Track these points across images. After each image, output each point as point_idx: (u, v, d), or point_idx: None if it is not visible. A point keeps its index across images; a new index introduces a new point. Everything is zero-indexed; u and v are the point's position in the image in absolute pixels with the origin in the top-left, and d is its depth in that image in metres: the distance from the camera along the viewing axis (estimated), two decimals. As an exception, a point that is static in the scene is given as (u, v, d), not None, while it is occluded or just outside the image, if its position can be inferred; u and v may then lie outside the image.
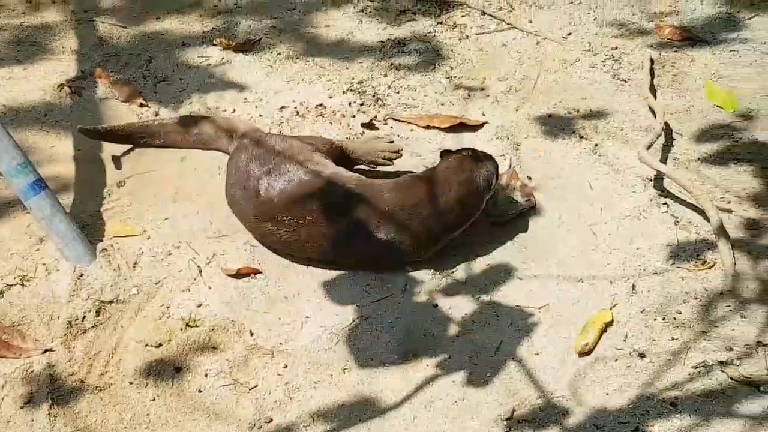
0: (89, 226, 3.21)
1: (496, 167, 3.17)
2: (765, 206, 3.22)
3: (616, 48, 4.05)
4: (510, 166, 3.46)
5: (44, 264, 3.06)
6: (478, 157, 3.16)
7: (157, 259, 3.12)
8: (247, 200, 3.11)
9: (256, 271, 3.10)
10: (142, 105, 3.77)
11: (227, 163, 3.28)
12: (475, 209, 3.12)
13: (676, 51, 4.02)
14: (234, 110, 3.76)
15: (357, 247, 3.05)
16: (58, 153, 3.51)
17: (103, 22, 4.28)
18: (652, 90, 3.76)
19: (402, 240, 3.04)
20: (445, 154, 3.21)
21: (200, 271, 3.09)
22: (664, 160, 3.44)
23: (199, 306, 2.98)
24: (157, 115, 3.73)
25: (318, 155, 3.22)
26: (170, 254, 3.14)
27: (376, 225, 3.03)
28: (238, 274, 3.08)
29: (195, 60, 4.07)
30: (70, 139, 3.57)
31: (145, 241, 3.18)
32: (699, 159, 3.44)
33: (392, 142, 3.47)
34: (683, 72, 3.89)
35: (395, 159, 3.39)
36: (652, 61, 3.90)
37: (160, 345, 2.87)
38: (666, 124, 3.54)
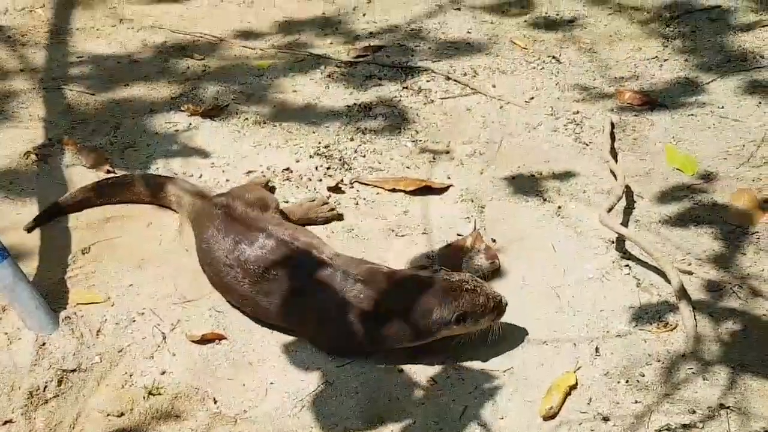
0: (53, 293, 3.19)
1: (478, 303, 2.98)
2: (725, 268, 3.26)
3: (578, 112, 4.13)
4: (474, 229, 3.49)
5: (6, 333, 3.03)
6: (455, 285, 3.01)
7: (120, 326, 3.11)
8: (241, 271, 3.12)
9: (221, 337, 3.09)
10: (108, 171, 3.78)
11: (200, 235, 3.28)
12: (423, 336, 3.01)
13: (636, 115, 4.10)
14: (201, 175, 3.79)
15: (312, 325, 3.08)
16: (23, 220, 3.49)
17: (71, 90, 4.32)
18: (613, 153, 3.82)
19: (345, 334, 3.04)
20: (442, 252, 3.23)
21: (164, 338, 3.08)
22: (625, 223, 3.48)
23: (163, 373, 2.96)
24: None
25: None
26: (134, 321, 3.13)
27: (331, 312, 3.04)
28: (203, 340, 3.07)
29: (162, 126, 4.10)
30: (36, 207, 3.57)
31: (109, 308, 3.17)
32: (660, 221, 3.49)
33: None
34: (643, 135, 3.97)
35: None
36: (612, 125, 3.97)
37: (122, 414, 2.84)
38: (627, 186, 3.60)
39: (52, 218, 3.53)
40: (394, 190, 3.72)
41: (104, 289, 3.24)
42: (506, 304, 3.04)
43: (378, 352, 3.04)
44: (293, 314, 3.08)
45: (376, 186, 3.76)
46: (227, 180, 3.76)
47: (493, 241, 3.46)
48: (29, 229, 3.46)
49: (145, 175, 3.71)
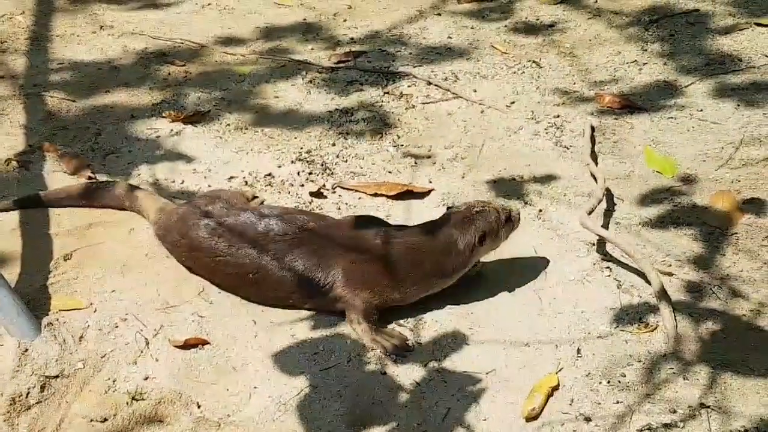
0: (35, 300, 3.18)
1: (492, 220, 3.19)
2: (705, 269, 3.29)
3: (558, 116, 4.16)
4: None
5: (-12, 340, 3.02)
6: (465, 212, 3.20)
7: (103, 332, 3.10)
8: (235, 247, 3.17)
9: (204, 342, 3.09)
10: (90, 178, 3.77)
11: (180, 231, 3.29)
12: (458, 267, 3.19)
13: (616, 118, 4.13)
14: (183, 181, 3.79)
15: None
16: (4, 227, 3.49)
17: (51, 96, 4.31)
18: (594, 156, 3.85)
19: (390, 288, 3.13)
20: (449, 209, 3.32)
21: (147, 343, 3.07)
22: (606, 225, 3.50)
23: (146, 379, 2.96)
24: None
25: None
26: (117, 327, 3.12)
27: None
28: (186, 345, 3.07)
29: (144, 132, 4.10)
30: (17, 213, 3.56)
31: (92, 314, 3.16)
32: (640, 223, 3.52)
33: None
34: (623, 138, 4.00)
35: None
36: (593, 129, 4.00)
37: (106, 420, 2.84)
38: (607, 189, 3.62)
39: (31, 207, 3.57)
40: (376, 195, 3.73)
41: (86, 295, 3.24)
42: (518, 213, 3.30)
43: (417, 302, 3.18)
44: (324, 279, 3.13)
45: (358, 191, 3.76)
46: (209, 186, 3.76)
47: (475, 244, 3.47)
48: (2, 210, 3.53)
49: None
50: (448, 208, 3.33)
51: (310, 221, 3.22)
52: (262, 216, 3.21)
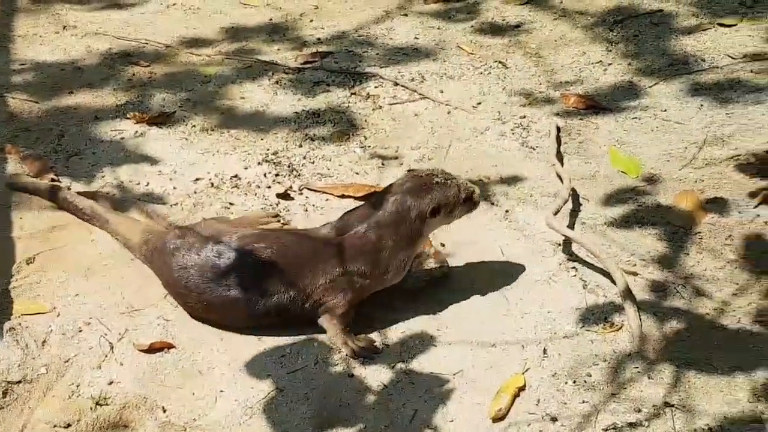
0: (-4, 305, 3.15)
1: (450, 194, 3.13)
2: (669, 268, 3.31)
3: (524, 117, 4.17)
4: (424, 234, 3.50)
5: (-52, 345, 2.98)
6: (425, 179, 3.14)
7: (67, 336, 3.07)
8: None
9: (170, 346, 3.07)
10: (53, 180, 3.73)
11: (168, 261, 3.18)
12: (415, 238, 3.14)
13: (581, 119, 4.15)
14: (148, 183, 3.76)
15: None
16: (-35, 230, 3.45)
17: (13, 98, 4.26)
18: (559, 157, 3.87)
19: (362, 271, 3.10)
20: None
21: (112, 348, 3.04)
22: (571, 225, 3.52)
23: (110, 383, 2.93)
24: (68, 189, 3.69)
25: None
26: (81, 331, 3.09)
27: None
28: (151, 349, 3.04)
29: (108, 134, 4.06)
30: (-22, 216, 3.53)
31: (55, 318, 3.13)
32: (605, 223, 3.54)
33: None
34: (588, 139, 4.02)
35: None
36: (558, 129, 4.02)
37: (69, 426, 2.80)
38: (573, 189, 3.64)
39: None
40: (343, 196, 3.73)
41: (50, 299, 3.20)
42: (480, 195, 3.24)
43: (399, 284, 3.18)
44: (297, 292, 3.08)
45: (325, 192, 3.75)
46: (174, 188, 3.74)
47: (442, 245, 3.48)
48: None
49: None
50: (409, 170, 3.25)
51: (275, 244, 3.11)
52: (231, 249, 3.08)
